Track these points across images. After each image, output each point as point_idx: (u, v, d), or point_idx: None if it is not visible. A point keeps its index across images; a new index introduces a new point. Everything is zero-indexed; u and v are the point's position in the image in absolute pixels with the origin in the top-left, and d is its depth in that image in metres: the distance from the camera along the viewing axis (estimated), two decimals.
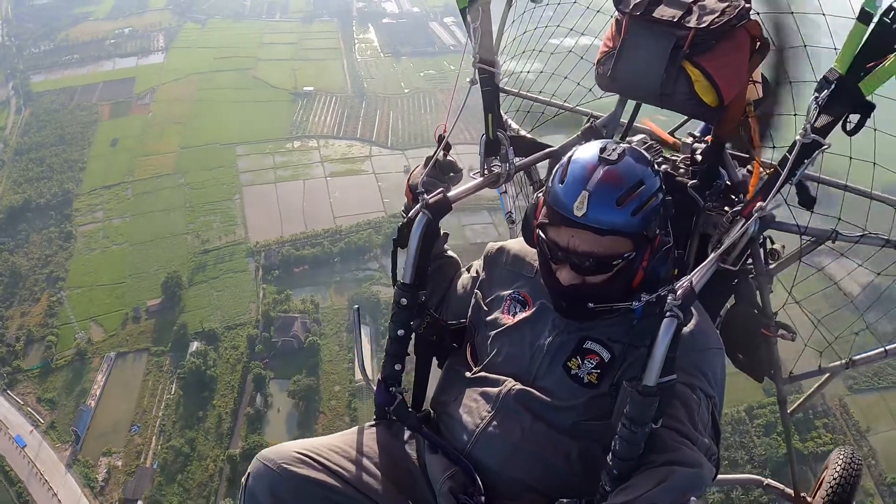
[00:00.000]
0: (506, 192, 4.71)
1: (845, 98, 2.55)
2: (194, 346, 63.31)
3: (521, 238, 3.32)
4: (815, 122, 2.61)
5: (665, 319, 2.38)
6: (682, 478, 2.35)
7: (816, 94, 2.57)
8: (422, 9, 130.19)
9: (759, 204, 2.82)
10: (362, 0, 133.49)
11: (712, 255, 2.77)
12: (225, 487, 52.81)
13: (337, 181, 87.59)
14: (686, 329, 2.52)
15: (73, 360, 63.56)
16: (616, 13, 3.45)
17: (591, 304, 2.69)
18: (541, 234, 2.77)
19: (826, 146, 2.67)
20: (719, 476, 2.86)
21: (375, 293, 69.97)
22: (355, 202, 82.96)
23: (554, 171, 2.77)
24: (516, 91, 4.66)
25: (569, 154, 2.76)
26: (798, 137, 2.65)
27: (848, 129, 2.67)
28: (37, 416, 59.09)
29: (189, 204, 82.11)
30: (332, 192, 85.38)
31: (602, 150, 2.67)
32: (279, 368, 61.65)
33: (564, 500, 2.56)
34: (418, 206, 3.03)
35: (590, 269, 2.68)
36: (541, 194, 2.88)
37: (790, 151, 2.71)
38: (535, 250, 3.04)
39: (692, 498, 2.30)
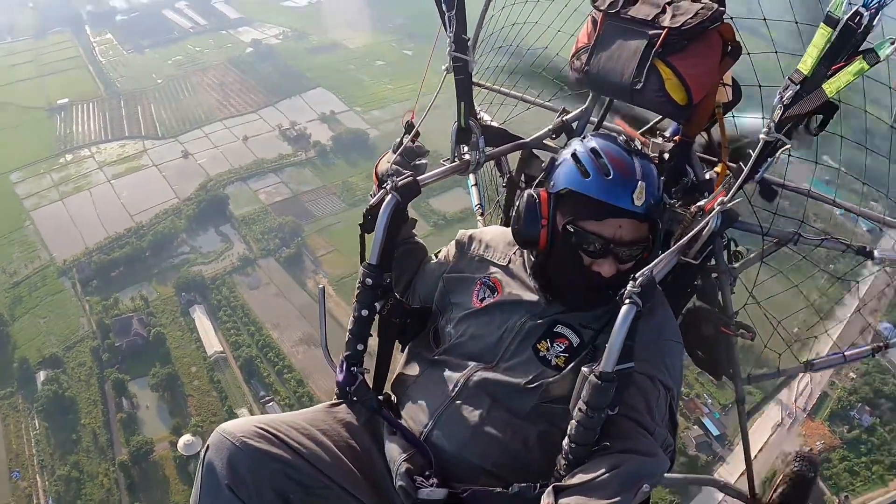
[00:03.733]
0: (476, 184, 4.51)
1: (809, 98, 2.42)
2: (42, 375, 57.03)
3: (494, 227, 3.24)
4: (778, 120, 2.48)
5: (624, 306, 2.24)
6: (635, 465, 2.20)
7: (781, 94, 2.45)
8: None
9: (720, 199, 2.64)
10: (89, 3, 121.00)
11: (674, 247, 2.59)
12: (127, 496, 49.09)
13: (122, 181, 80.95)
14: (650, 320, 2.41)
15: None
16: (592, 11, 3.26)
17: (610, 292, 2.50)
18: (575, 229, 2.57)
19: (789, 145, 2.55)
20: (678, 476, 2.64)
21: (198, 272, 67.09)
22: (146, 196, 77.23)
23: (573, 166, 2.62)
24: (488, 85, 4.40)
25: (583, 148, 2.64)
26: (762, 135, 2.53)
27: (812, 129, 2.57)
28: None
29: None
30: (121, 192, 78.77)
31: (626, 142, 2.64)
32: (133, 368, 57.14)
33: (520, 485, 2.39)
34: (388, 187, 2.82)
35: (630, 256, 2.58)
36: (533, 193, 2.70)
37: (754, 149, 2.59)
38: (506, 240, 2.98)
39: (645, 486, 2.16)
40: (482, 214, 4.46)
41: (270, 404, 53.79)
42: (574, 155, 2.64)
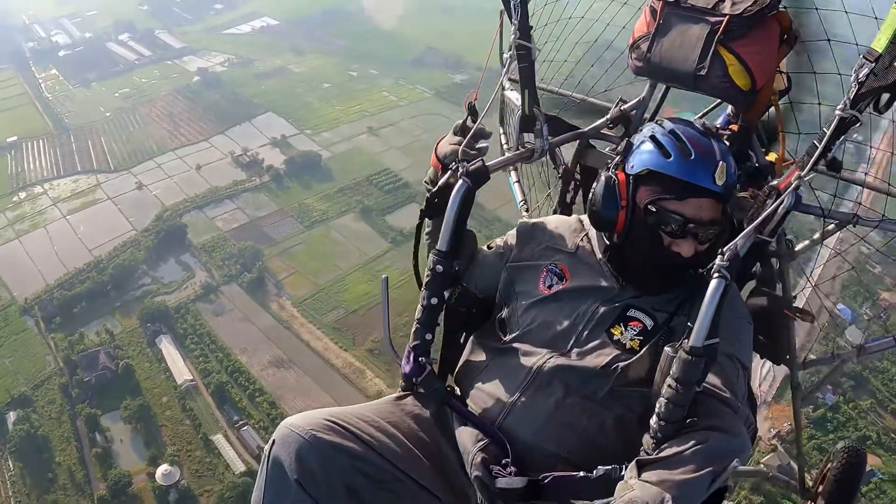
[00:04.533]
0: (518, 181, 4.37)
1: (881, 76, 2.42)
2: (12, 416, 55.21)
3: (556, 216, 3.24)
4: (853, 97, 2.48)
5: (713, 280, 2.20)
6: (721, 442, 2.15)
7: (856, 72, 2.45)
8: (94, 32, 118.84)
9: (797, 174, 2.55)
10: (32, 40, 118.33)
11: (752, 225, 2.47)
12: None
13: (77, 216, 79.22)
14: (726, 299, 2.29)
15: None
16: (650, 0, 3.23)
17: (692, 272, 2.56)
18: (657, 209, 2.55)
19: (861, 122, 2.53)
20: None
21: (162, 303, 66.01)
22: (104, 230, 75.84)
23: (653, 148, 2.60)
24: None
25: (662, 130, 2.63)
26: (838, 112, 2.52)
27: (880, 107, 2.57)
28: None
29: None
30: (77, 227, 77.07)
31: (703, 124, 2.66)
32: (104, 402, 56.01)
33: (605, 467, 2.30)
34: (459, 172, 2.73)
35: (707, 237, 2.57)
36: (611, 175, 2.67)
37: (828, 126, 2.56)
38: (571, 228, 2.96)
39: (735, 462, 2.13)
40: (528, 211, 4.31)
41: (245, 428, 53.25)
42: (653, 137, 2.62)
